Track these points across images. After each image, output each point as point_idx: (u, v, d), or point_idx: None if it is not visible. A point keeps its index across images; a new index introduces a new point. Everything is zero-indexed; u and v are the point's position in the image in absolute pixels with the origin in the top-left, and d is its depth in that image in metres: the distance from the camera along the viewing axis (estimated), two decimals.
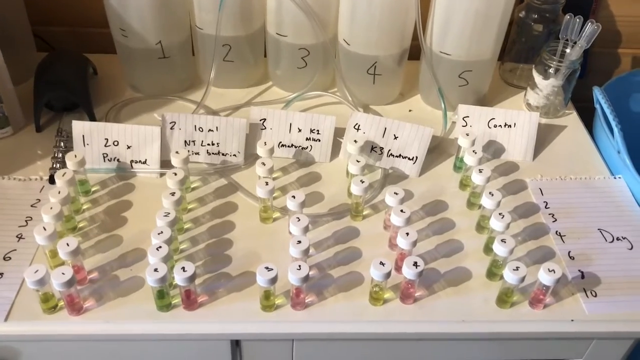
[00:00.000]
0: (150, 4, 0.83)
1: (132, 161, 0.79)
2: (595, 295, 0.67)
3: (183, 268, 0.60)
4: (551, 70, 0.88)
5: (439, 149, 0.86)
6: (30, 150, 0.82)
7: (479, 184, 0.74)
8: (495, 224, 0.67)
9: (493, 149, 0.86)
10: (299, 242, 0.64)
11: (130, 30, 0.85)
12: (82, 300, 0.63)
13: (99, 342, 0.66)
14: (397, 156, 0.82)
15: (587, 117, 0.93)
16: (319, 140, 0.83)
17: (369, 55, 0.87)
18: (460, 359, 0.73)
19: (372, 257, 0.63)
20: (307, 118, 0.82)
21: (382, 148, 0.82)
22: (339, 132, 0.83)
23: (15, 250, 0.69)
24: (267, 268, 0.61)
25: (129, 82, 0.95)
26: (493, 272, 0.68)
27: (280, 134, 0.83)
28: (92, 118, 0.85)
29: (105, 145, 0.78)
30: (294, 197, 0.69)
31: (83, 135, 0.78)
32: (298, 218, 0.67)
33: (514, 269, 0.62)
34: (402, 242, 0.65)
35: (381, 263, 0.62)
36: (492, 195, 0.70)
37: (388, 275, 0.62)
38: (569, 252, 0.72)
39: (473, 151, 0.77)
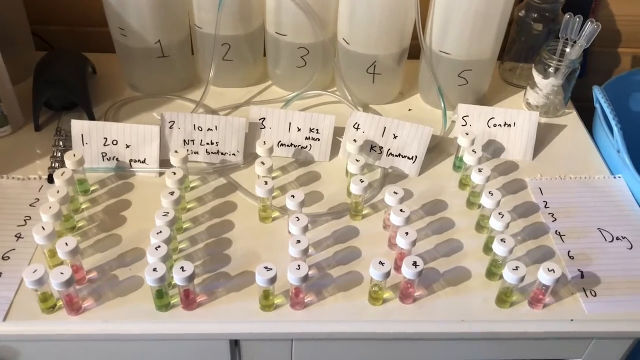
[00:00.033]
0: (149, 3, 0.82)
1: (131, 160, 0.79)
2: (595, 295, 0.67)
3: (182, 268, 0.60)
4: (551, 70, 0.88)
5: (438, 148, 0.86)
6: (29, 149, 0.82)
7: (478, 184, 0.74)
8: (495, 223, 0.67)
9: (493, 149, 0.86)
10: (298, 241, 0.64)
11: (129, 30, 0.85)
12: (80, 300, 0.63)
13: (98, 341, 0.66)
14: (396, 155, 0.82)
15: (587, 116, 0.93)
16: (319, 140, 0.83)
17: (369, 54, 0.87)
18: (460, 359, 0.73)
19: (371, 257, 0.63)
20: (307, 117, 0.82)
21: (382, 147, 0.82)
22: (338, 131, 0.83)
23: (13, 249, 0.69)
24: (266, 268, 0.61)
25: (128, 81, 0.95)
26: (492, 272, 0.68)
27: (280, 133, 0.83)
28: (91, 117, 0.85)
29: (104, 145, 0.78)
30: (293, 196, 0.69)
31: (82, 135, 0.78)
32: (297, 217, 0.67)
33: (513, 269, 0.62)
34: (402, 242, 0.65)
35: (380, 263, 0.62)
36: (492, 194, 0.70)
37: (387, 274, 0.62)
38: (569, 252, 0.72)
39: (473, 150, 0.76)
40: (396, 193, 0.70)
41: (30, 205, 0.74)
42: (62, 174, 0.70)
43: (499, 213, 0.68)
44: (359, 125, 0.82)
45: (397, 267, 0.68)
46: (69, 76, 0.88)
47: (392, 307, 0.65)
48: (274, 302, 0.65)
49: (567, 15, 0.84)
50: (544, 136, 0.89)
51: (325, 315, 0.64)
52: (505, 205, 0.78)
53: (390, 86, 0.94)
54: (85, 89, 0.88)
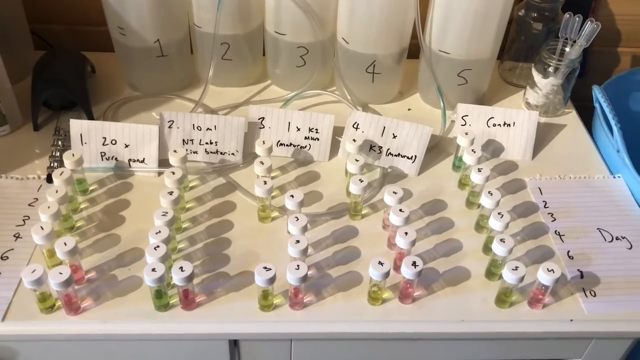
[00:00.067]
0: (149, 2, 0.82)
1: (130, 160, 0.79)
2: (595, 295, 0.67)
3: (181, 268, 0.60)
4: (550, 69, 0.88)
5: (438, 148, 0.86)
6: (28, 149, 0.82)
7: (478, 183, 0.74)
8: (495, 223, 0.67)
9: (492, 148, 0.86)
10: (298, 241, 0.64)
11: (128, 29, 0.85)
12: (79, 300, 0.63)
13: (97, 342, 0.66)
14: (396, 155, 0.82)
15: (587, 116, 0.93)
16: (318, 139, 0.82)
17: (368, 53, 0.87)
18: (459, 359, 0.73)
19: (370, 257, 0.63)
20: (306, 117, 0.82)
21: (381, 147, 0.81)
22: (337, 131, 0.83)
23: (12, 249, 0.68)
24: (265, 268, 0.61)
25: (127, 81, 0.94)
26: (492, 272, 0.68)
27: (279, 132, 0.83)
28: (90, 117, 0.85)
29: (103, 144, 0.78)
30: (292, 196, 0.69)
31: (81, 134, 0.78)
32: (296, 217, 0.66)
33: (513, 269, 0.62)
34: (401, 242, 0.65)
35: (380, 263, 0.62)
36: (491, 194, 0.70)
37: (387, 274, 0.62)
38: (568, 252, 0.72)
39: (472, 150, 0.76)
40: (395, 193, 0.70)
41: (29, 205, 0.74)
42: (61, 174, 0.70)
43: (499, 213, 0.67)
44: (358, 124, 0.82)
45: (397, 267, 0.68)
46: (68, 75, 0.88)
47: (391, 307, 0.65)
48: (273, 302, 0.64)
49: (566, 15, 0.84)
50: (543, 136, 0.89)
51: (324, 316, 0.64)
52: (505, 205, 0.77)
53: (389, 86, 0.94)
54: (84, 88, 0.88)
